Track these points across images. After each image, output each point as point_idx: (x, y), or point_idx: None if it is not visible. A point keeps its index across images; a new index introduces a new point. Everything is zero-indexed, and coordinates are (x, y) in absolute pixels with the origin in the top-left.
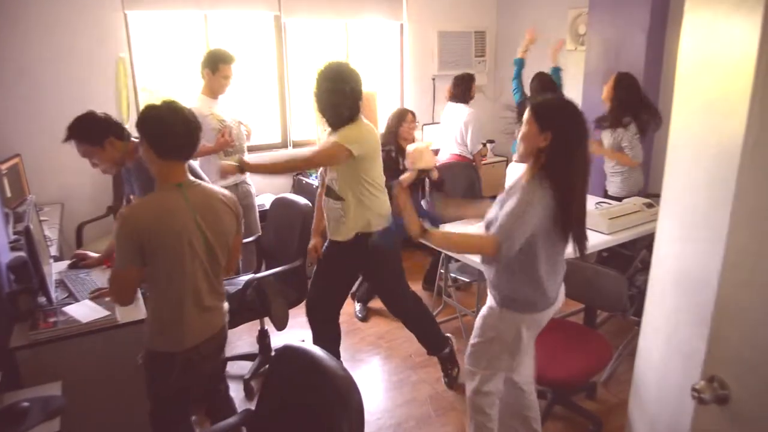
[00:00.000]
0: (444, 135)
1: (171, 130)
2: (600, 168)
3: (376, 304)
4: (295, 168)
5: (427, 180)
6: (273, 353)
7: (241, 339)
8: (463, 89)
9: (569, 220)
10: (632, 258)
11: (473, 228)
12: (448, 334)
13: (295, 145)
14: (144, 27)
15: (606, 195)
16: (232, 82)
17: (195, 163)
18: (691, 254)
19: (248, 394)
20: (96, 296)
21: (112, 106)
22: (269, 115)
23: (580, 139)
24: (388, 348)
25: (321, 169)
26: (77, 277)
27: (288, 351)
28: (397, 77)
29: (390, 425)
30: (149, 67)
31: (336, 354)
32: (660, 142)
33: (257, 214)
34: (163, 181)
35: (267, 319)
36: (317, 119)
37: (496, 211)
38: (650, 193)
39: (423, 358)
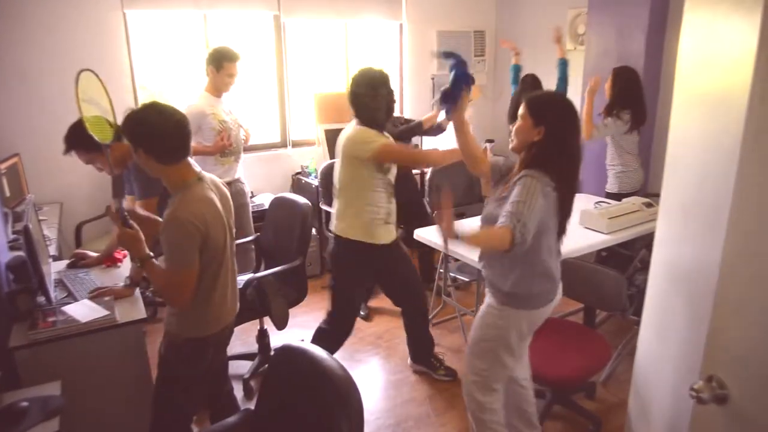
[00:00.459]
0: (444, 136)
1: (163, 134)
2: (602, 165)
3: (376, 303)
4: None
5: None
6: (272, 353)
7: (241, 338)
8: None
9: (567, 213)
10: (631, 257)
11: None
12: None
13: (294, 144)
14: (143, 27)
15: (606, 194)
16: (236, 81)
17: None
18: (690, 254)
19: (247, 393)
20: (95, 296)
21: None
22: (269, 115)
23: (572, 134)
24: (388, 348)
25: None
26: (76, 277)
27: (287, 350)
28: (396, 77)
29: (389, 425)
30: (148, 67)
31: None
32: (659, 141)
33: (250, 213)
34: (182, 180)
35: (267, 319)
36: (317, 120)
37: (494, 207)
38: (650, 192)
39: None
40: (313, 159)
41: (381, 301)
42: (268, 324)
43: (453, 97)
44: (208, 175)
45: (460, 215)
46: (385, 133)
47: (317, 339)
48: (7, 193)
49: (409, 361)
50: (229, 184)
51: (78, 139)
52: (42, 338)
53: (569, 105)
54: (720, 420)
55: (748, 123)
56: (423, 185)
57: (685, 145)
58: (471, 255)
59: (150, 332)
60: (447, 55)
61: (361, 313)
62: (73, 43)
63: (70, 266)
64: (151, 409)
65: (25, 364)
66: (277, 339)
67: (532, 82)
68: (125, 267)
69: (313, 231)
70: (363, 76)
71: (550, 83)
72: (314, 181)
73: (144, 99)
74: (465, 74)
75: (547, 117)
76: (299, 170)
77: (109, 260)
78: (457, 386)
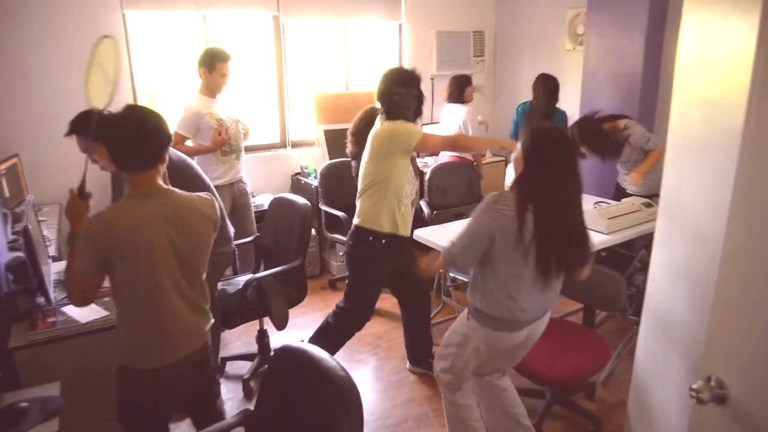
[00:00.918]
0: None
1: (127, 143)
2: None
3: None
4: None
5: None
6: (272, 353)
7: (240, 339)
8: (457, 89)
9: (544, 240)
10: (631, 258)
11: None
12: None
13: (294, 145)
14: (143, 28)
15: (625, 194)
16: (229, 81)
17: (192, 162)
18: (689, 254)
19: (247, 394)
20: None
21: (112, 105)
22: (268, 115)
23: (550, 174)
24: (387, 348)
25: (354, 163)
26: None
27: (287, 351)
28: None
29: (389, 425)
30: (148, 68)
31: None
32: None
33: (253, 214)
34: (132, 189)
35: (266, 319)
36: (316, 120)
37: None
38: (653, 193)
39: None
40: (313, 159)
41: (381, 301)
42: (268, 324)
43: None
44: (198, 197)
45: (460, 215)
46: None
47: (319, 334)
48: (7, 194)
49: (408, 365)
50: (232, 184)
51: (82, 125)
52: (41, 339)
53: (554, 140)
54: (720, 420)
55: (747, 122)
56: (422, 186)
57: (684, 145)
58: None
59: (115, 370)
60: None
61: None
62: (73, 44)
63: None
64: None
65: (24, 364)
66: (277, 339)
67: (545, 87)
68: None
69: (313, 231)
70: (396, 74)
71: None
72: (314, 182)
73: (144, 101)
74: None
75: (527, 150)
76: (299, 171)
77: None
78: None
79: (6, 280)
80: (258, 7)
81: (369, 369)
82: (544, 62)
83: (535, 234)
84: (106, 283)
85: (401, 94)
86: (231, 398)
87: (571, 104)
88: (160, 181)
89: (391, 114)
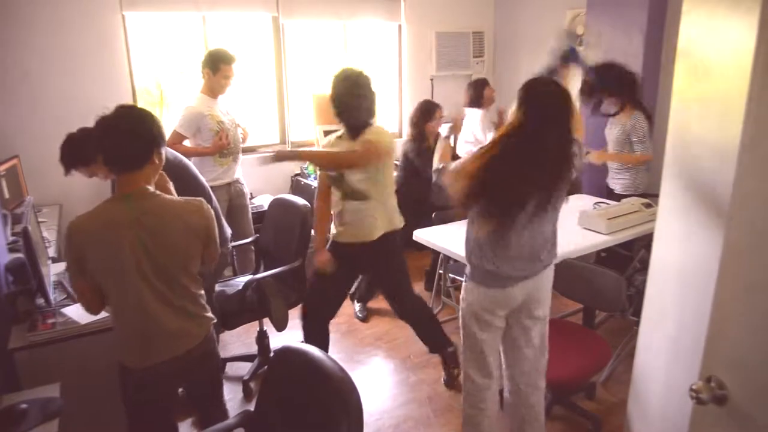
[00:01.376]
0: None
1: (105, 141)
2: (602, 169)
3: (375, 304)
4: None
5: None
6: (272, 354)
7: (240, 340)
8: (474, 94)
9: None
10: (631, 258)
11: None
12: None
13: (294, 145)
14: (142, 29)
15: (610, 194)
16: (232, 83)
17: (188, 162)
18: (689, 254)
19: (247, 395)
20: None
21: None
22: (268, 116)
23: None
24: (387, 348)
25: (321, 172)
26: None
27: (287, 352)
28: (395, 78)
29: (389, 426)
30: (148, 69)
31: None
32: (658, 142)
33: (250, 215)
34: (116, 189)
35: (266, 320)
36: (315, 120)
37: None
38: (649, 193)
39: (422, 358)
40: None
41: (381, 302)
42: (268, 325)
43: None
44: (186, 201)
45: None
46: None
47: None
48: (7, 195)
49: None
50: (228, 185)
51: (72, 156)
52: (41, 340)
53: (540, 88)
54: (719, 420)
55: (747, 122)
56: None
57: (683, 145)
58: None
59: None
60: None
61: (359, 315)
62: (72, 45)
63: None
64: None
65: (24, 365)
66: (277, 340)
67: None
68: None
69: (312, 232)
70: (345, 77)
71: None
72: (313, 183)
73: (143, 102)
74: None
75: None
76: (298, 171)
77: None
78: (457, 387)
79: (6, 281)
80: (257, 8)
81: (369, 369)
82: (544, 63)
83: (488, 177)
84: None
85: (351, 95)
86: (231, 399)
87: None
88: (150, 186)
89: (343, 119)
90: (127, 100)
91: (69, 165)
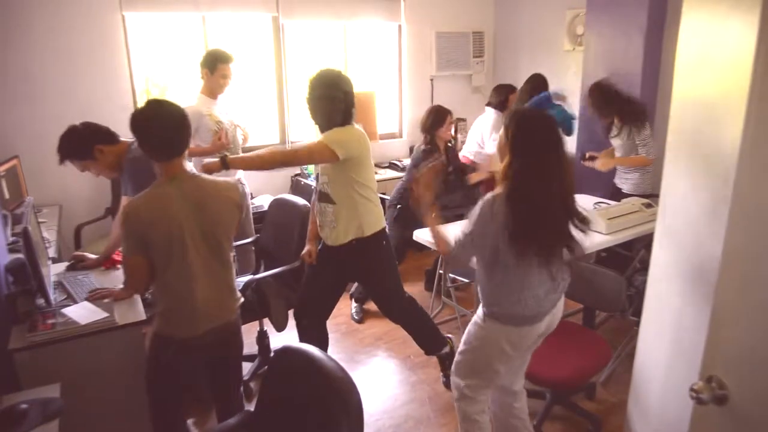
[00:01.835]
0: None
1: (150, 133)
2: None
3: (373, 305)
4: (276, 162)
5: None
6: (272, 354)
7: None
8: (501, 98)
9: (524, 236)
10: (631, 258)
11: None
12: (449, 335)
13: (294, 146)
14: (142, 29)
15: (621, 194)
16: (231, 82)
17: (189, 164)
18: (689, 254)
19: (247, 395)
20: (94, 297)
21: (111, 106)
22: (268, 116)
23: (537, 152)
24: (387, 349)
25: (317, 173)
26: (75, 279)
27: (287, 352)
28: (395, 78)
29: (389, 426)
30: (148, 69)
31: None
32: (658, 142)
33: (251, 215)
34: (160, 176)
35: (266, 320)
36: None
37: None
38: (656, 193)
39: (422, 358)
40: None
41: None
42: (268, 326)
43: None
44: (221, 181)
45: (459, 216)
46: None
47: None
48: (7, 196)
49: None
50: None
51: (70, 148)
52: (41, 340)
53: (536, 119)
54: (720, 420)
55: (747, 123)
56: None
57: (683, 145)
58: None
59: (149, 334)
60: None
61: (355, 316)
62: (72, 46)
63: (69, 268)
64: None
65: (24, 366)
66: (277, 340)
67: (532, 84)
68: None
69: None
70: (321, 78)
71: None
72: (313, 183)
73: (143, 101)
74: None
75: (510, 131)
76: (298, 172)
77: (108, 262)
78: None
79: (6, 281)
80: (257, 8)
81: (369, 369)
82: (544, 63)
83: (512, 225)
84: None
85: (322, 96)
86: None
87: (570, 105)
88: (188, 166)
89: (317, 122)
90: (127, 101)
91: (64, 156)
